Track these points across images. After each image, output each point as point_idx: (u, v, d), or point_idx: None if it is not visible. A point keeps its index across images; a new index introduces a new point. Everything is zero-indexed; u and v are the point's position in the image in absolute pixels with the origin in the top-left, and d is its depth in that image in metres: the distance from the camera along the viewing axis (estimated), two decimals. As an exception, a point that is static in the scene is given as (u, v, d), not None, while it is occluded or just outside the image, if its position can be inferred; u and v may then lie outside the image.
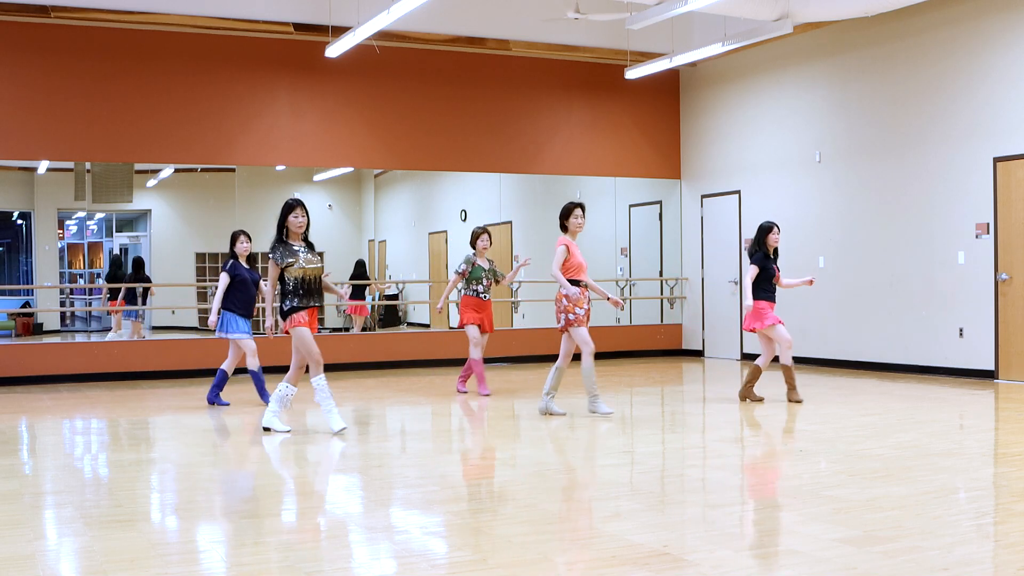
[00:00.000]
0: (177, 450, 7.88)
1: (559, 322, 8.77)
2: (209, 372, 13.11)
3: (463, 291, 10.63)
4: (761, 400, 9.82)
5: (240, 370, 13.61)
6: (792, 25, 11.28)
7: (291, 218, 7.95)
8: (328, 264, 16.08)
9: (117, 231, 17.46)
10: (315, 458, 7.44)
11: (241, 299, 9.87)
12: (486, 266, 10.61)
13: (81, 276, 18.03)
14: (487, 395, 10.63)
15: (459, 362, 14.25)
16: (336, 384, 11.97)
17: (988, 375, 11.39)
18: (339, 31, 12.15)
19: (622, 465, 6.84)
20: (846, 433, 8.09)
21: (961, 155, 11.66)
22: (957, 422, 8.54)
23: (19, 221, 17.11)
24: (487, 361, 12.62)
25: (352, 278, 15.73)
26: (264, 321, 8.19)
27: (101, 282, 15.66)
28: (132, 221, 17.19)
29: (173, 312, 15.63)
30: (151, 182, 16.14)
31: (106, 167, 14.57)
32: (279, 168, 14.92)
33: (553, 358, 12.42)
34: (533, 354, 14.58)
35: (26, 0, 11.54)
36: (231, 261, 10.00)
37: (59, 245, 16.72)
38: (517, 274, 10.75)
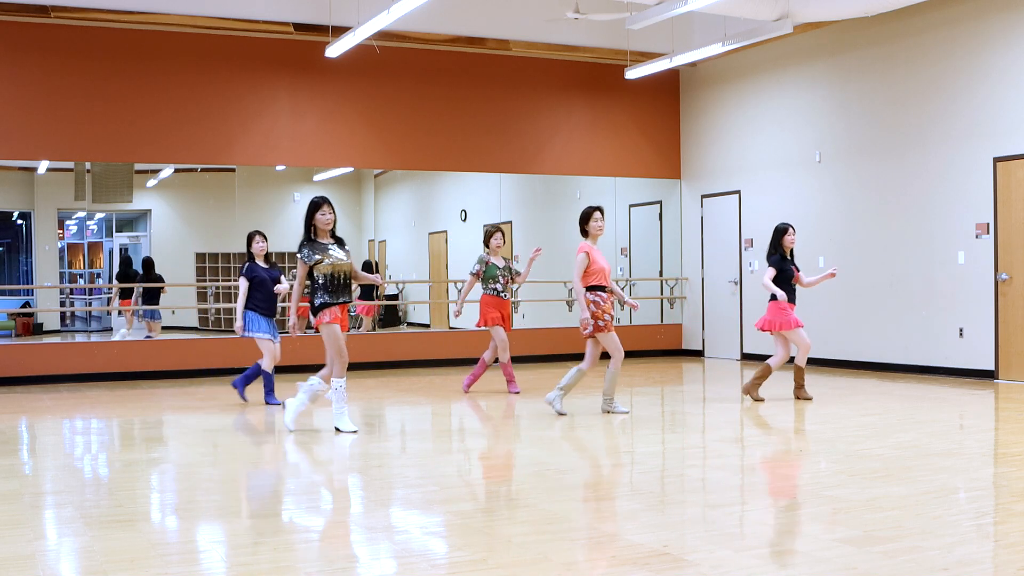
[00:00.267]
0: (177, 450, 7.89)
1: (584, 328, 8.77)
2: (209, 372, 13.12)
3: (483, 291, 10.66)
4: (761, 400, 9.81)
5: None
6: (792, 25, 11.28)
7: (318, 216, 8.01)
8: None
9: (117, 231, 17.45)
10: (315, 458, 7.44)
11: (261, 299, 9.92)
12: (500, 264, 10.62)
13: (81, 276, 18.02)
14: (517, 392, 10.69)
15: (459, 362, 14.26)
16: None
17: (988, 375, 11.39)
18: (339, 31, 12.15)
19: (622, 465, 6.84)
20: (846, 433, 8.09)
21: (961, 155, 11.66)
22: (957, 422, 8.54)
23: (19, 221, 17.11)
24: (530, 359, 12.61)
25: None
26: (288, 319, 8.21)
27: (113, 281, 15.61)
28: (132, 221, 17.19)
29: (173, 312, 15.62)
30: (151, 182, 16.15)
31: (106, 167, 14.57)
32: (279, 168, 14.92)
33: (553, 358, 12.50)
34: (533, 354, 14.58)
35: (26, 0, 11.54)
36: (247, 264, 10.03)
37: (59, 245, 16.72)
38: (531, 267, 10.76)
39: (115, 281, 15.34)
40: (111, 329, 16.61)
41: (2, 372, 12.20)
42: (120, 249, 17.36)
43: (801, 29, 12.61)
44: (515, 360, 14.39)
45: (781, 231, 9.84)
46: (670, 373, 13.35)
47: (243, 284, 9.87)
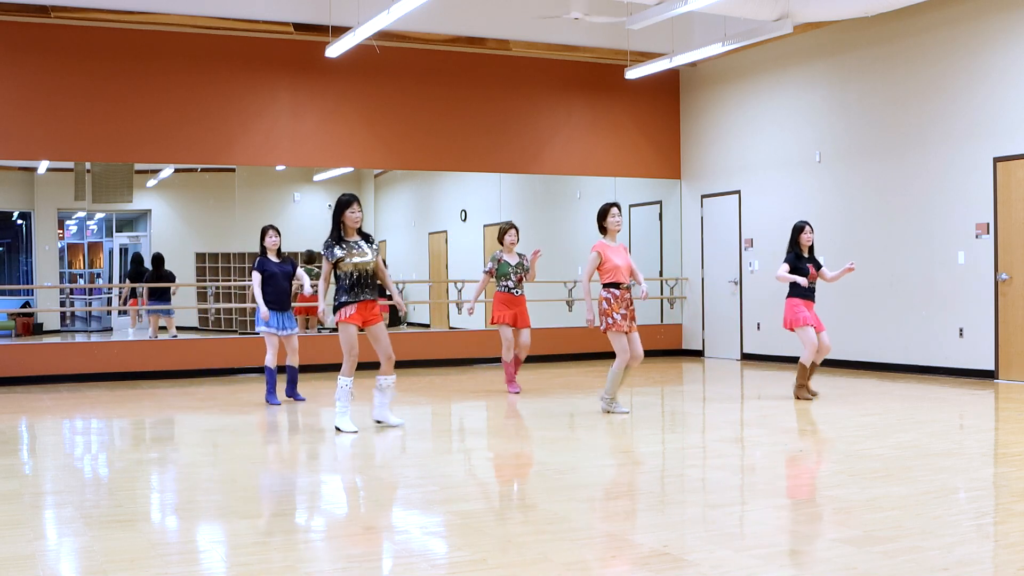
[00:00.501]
0: (177, 450, 7.89)
1: (601, 325, 8.85)
2: (209, 372, 13.12)
3: (496, 288, 10.72)
4: (815, 395, 9.91)
5: (250, 368, 13.64)
6: (792, 25, 11.28)
7: (348, 214, 8.12)
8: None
9: (117, 231, 17.46)
10: (315, 458, 7.44)
11: (271, 293, 9.99)
12: (513, 261, 10.65)
13: (81, 276, 18.02)
14: (516, 393, 10.71)
15: (459, 362, 14.27)
16: (333, 384, 11.97)
17: (988, 375, 11.39)
18: (339, 31, 12.15)
19: (622, 465, 6.84)
20: (846, 433, 8.09)
21: (961, 155, 11.66)
22: (957, 422, 8.54)
23: (19, 221, 17.12)
24: (530, 359, 12.63)
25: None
26: (319, 306, 8.30)
27: (125, 280, 15.58)
28: (132, 221, 17.20)
29: (172, 313, 15.59)
30: (151, 182, 16.15)
31: (106, 167, 14.57)
32: (279, 168, 14.92)
33: (554, 358, 12.48)
34: (533, 354, 14.56)
35: (26, 0, 11.54)
36: (259, 258, 10.11)
37: (59, 245, 16.72)
38: (536, 267, 10.80)
39: (127, 280, 15.29)
40: (111, 329, 16.62)
41: (2, 372, 12.20)
42: (121, 249, 17.35)
43: (801, 29, 12.61)
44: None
45: (798, 229, 9.93)
46: (670, 373, 13.35)
47: (256, 277, 9.97)
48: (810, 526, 4.93)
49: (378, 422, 8.41)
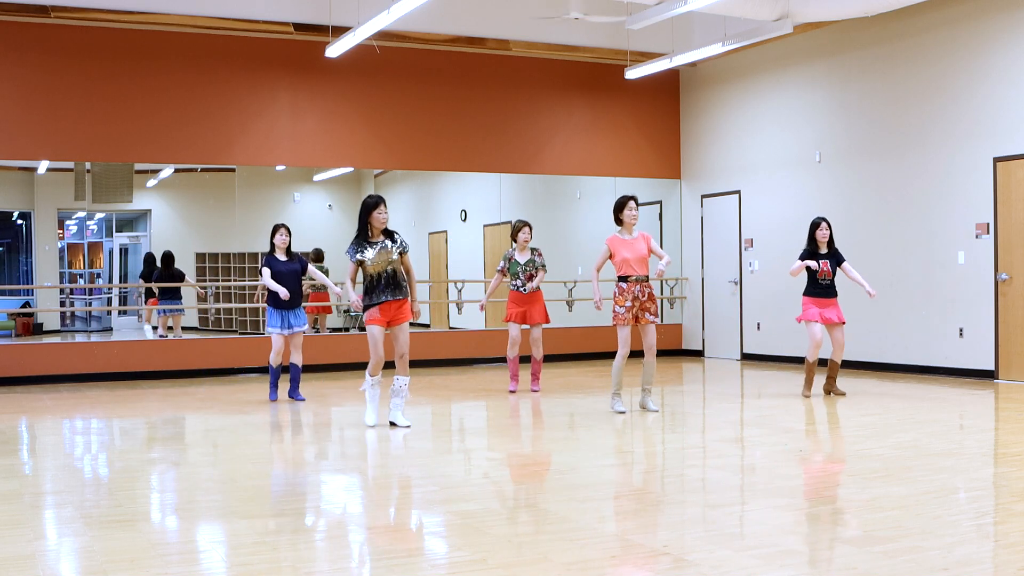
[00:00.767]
0: (177, 450, 7.89)
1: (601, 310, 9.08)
2: (209, 372, 13.12)
3: (508, 286, 10.81)
4: (842, 394, 10.05)
5: (250, 368, 13.65)
6: (792, 25, 11.28)
7: (375, 215, 8.21)
8: (328, 264, 16.12)
9: (117, 231, 17.46)
10: (315, 458, 7.44)
11: (277, 293, 10.09)
12: (523, 260, 10.68)
13: (81, 276, 18.02)
14: (513, 392, 10.80)
15: (459, 362, 14.26)
16: (336, 384, 11.99)
17: (988, 375, 11.39)
18: (339, 31, 12.15)
19: (622, 465, 6.84)
20: (846, 433, 8.09)
21: (961, 155, 11.66)
22: (957, 422, 8.54)
23: (19, 221, 17.11)
24: (567, 356, 12.67)
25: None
26: (350, 297, 8.40)
27: (138, 280, 15.55)
28: (132, 221, 17.20)
29: (167, 312, 15.59)
30: (151, 182, 16.15)
31: (106, 167, 14.57)
32: (279, 168, 14.92)
33: (554, 358, 12.47)
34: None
35: (26, 0, 11.54)
36: (267, 256, 10.23)
37: (59, 245, 16.72)
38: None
39: (139, 280, 15.27)
40: (111, 329, 16.61)
41: (2, 372, 12.20)
42: (121, 249, 17.35)
43: (801, 29, 12.61)
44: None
45: (814, 225, 10.09)
46: (670, 373, 13.34)
47: (266, 271, 10.07)
48: (810, 526, 4.93)
49: (392, 424, 8.42)
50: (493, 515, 5.24)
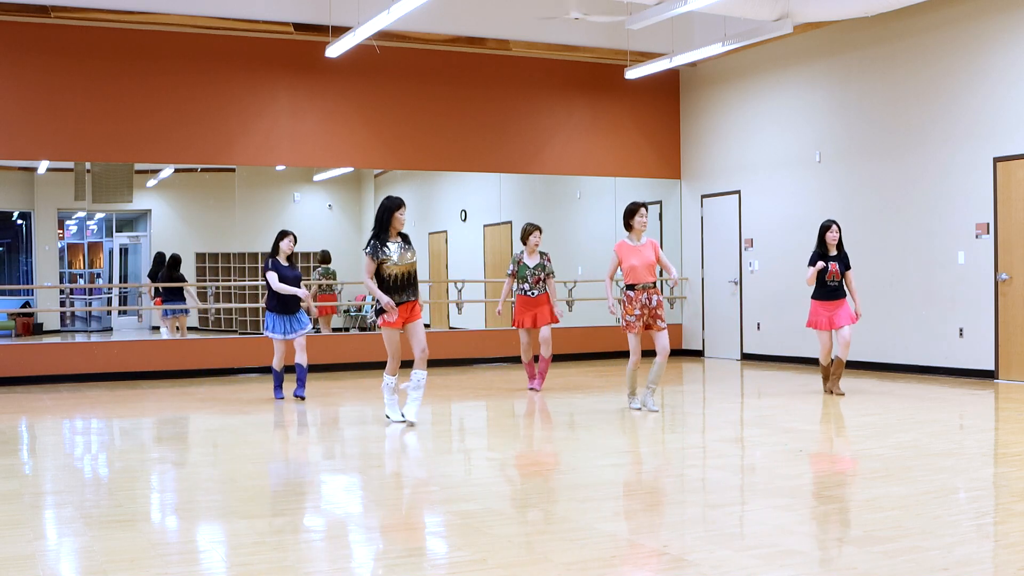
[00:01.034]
0: (177, 450, 7.89)
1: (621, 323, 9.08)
2: (209, 372, 13.12)
3: (515, 290, 10.88)
4: (841, 394, 10.14)
5: (250, 368, 13.66)
6: (792, 25, 11.28)
7: (398, 215, 8.23)
8: (335, 265, 16.12)
9: (117, 231, 17.46)
10: (315, 458, 7.44)
11: (280, 298, 10.16)
12: (532, 264, 10.74)
13: (81, 276, 18.03)
14: (532, 389, 10.94)
15: (459, 362, 14.26)
16: (336, 384, 11.99)
17: (988, 375, 11.39)
18: (339, 31, 12.15)
19: (622, 465, 6.84)
20: (846, 433, 8.09)
21: (961, 155, 11.66)
22: (957, 422, 8.54)
23: (19, 221, 17.12)
24: (568, 356, 12.74)
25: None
26: (380, 300, 8.24)
27: (145, 280, 15.52)
28: (132, 221, 17.20)
29: (173, 312, 15.61)
30: (151, 182, 16.15)
31: (106, 167, 14.57)
32: (279, 168, 14.92)
33: (554, 357, 12.46)
34: (533, 354, 14.55)
35: (26, 0, 11.54)
36: (271, 259, 10.27)
37: (59, 245, 16.72)
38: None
39: (147, 279, 15.26)
40: (111, 329, 16.61)
41: (2, 372, 12.20)
42: (121, 249, 17.35)
43: (801, 29, 12.61)
44: (516, 360, 14.41)
45: (824, 228, 10.24)
46: (670, 373, 13.34)
47: (273, 276, 10.10)
48: (810, 526, 4.93)
49: (402, 418, 8.51)
50: (493, 515, 5.24)
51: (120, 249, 17.32)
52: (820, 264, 10.02)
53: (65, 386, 12.09)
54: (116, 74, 12.73)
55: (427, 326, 17.54)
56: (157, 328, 14.95)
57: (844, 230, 13.08)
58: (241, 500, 5.78)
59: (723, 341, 15.18)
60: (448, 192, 18.20)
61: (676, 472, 6.64)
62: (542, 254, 10.84)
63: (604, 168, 15.54)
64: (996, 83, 11.27)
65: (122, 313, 16.71)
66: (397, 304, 8.19)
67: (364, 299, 17.00)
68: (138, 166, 14.88)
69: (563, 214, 17.25)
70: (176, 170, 15.49)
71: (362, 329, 16.46)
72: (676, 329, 15.98)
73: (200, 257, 16.15)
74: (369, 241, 8.23)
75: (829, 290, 10.08)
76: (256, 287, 15.81)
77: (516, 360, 14.38)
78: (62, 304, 16.83)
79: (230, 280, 15.94)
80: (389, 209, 8.20)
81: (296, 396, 10.38)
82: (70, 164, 14.38)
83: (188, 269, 15.92)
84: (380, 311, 8.21)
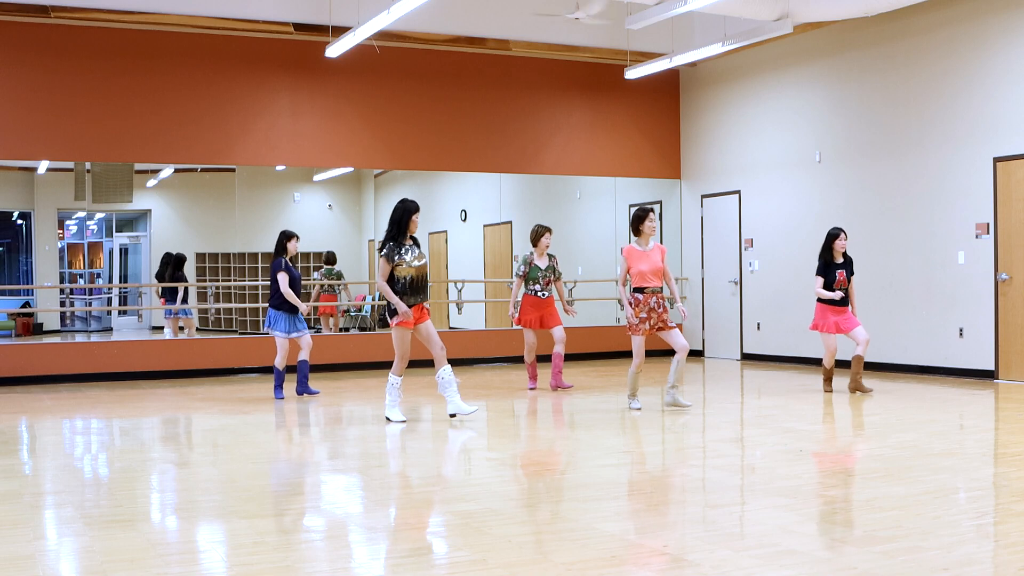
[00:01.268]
0: (177, 450, 7.89)
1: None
2: (209, 372, 13.12)
3: (524, 290, 10.90)
4: (869, 391, 10.25)
5: (250, 368, 13.65)
6: (792, 25, 11.28)
7: (415, 218, 8.33)
8: (341, 266, 16.11)
9: (117, 231, 17.46)
10: (315, 458, 7.44)
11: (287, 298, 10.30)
12: (543, 266, 10.79)
13: (81, 276, 18.03)
14: (533, 389, 10.99)
15: (459, 362, 14.24)
16: (336, 384, 11.99)
17: (988, 375, 11.39)
18: (339, 31, 12.15)
19: (622, 465, 6.84)
20: (846, 433, 8.09)
21: (961, 155, 11.66)
22: (957, 422, 8.54)
23: (19, 221, 17.12)
24: (568, 357, 12.77)
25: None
26: (398, 307, 8.31)
27: (152, 280, 15.51)
28: (132, 221, 17.20)
29: (171, 312, 15.62)
30: (151, 182, 16.15)
31: (106, 167, 14.56)
32: (279, 168, 14.92)
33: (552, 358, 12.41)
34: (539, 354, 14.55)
35: (26, 0, 11.54)
36: (284, 260, 10.35)
37: (59, 245, 16.72)
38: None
39: (154, 280, 15.26)
40: (111, 329, 16.62)
41: (2, 372, 12.20)
42: (121, 249, 17.35)
43: (801, 29, 12.61)
44: (516, 360, 14.41)
45: (832, 236, 10.33)
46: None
47: (285, 279, 10.19)
48: (810, 526, 4.93)
49: (452, 415, 8.60)
50: (493, 515, 5.23)
51: (120, 249, 17.32)
52: (838, 294, 10.09)
53: (65, 386, 12.09)
54: (116, 74, 12.73)
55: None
56: (161, 328, 14.95)
57: (844, 230, 13.11)
58: (241, 500, 5.78)
59: (723, 341, 15.18)
60: (448, 192, 18.20)
61: (676, 472, 6.64)
62: (550, 256, 10.91)
63: (604, 168, 15.54)
64: (996, 83, 11.27)
65: (122, 313, 16.71)
66: (410, 306, 8.27)
67: (364, 299, 17.00)
68: (138, 166, 14.88)
69: (563, 214, 17.25)
70: (176, 170, 15.49)
71: (362, 329, 16.45)
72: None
73: (200, 257, 16.15)
74: (385, 243, 8.27)
75: (838, 297, 10.20)
76: (256, 287, 15.81)
77: (516, 360, 14.39)
78: (62, 304, 16.83)
79: (230, 280, 15.93)
80: (408, 212, 8.28)
81: (309, 393, 10.48)
82: (70, 164, 14.37)
83: (188, 269, 15.92)
84: (394, 312, 8.26)
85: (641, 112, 15.57)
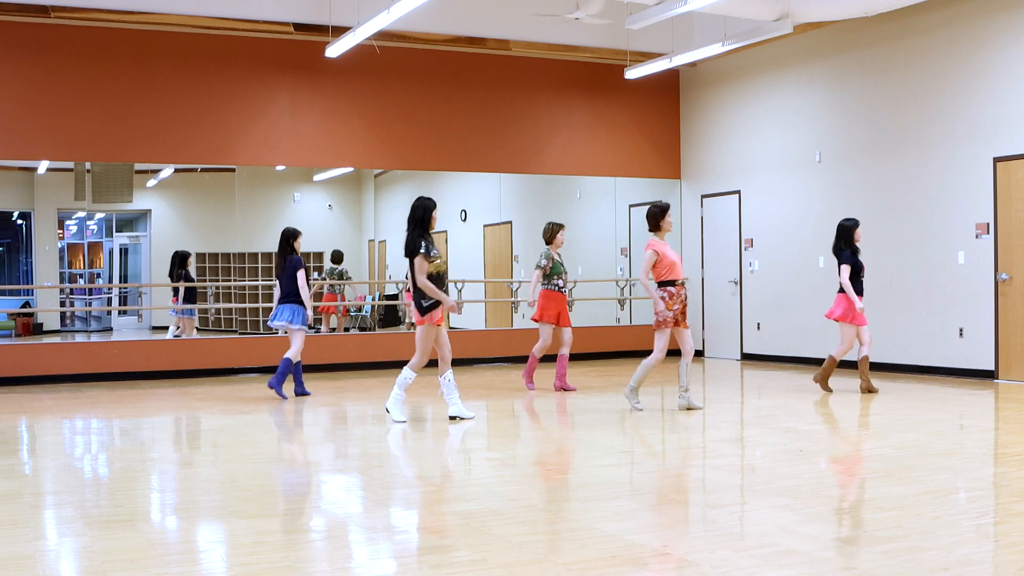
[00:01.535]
0: (177, 450, 7.89)
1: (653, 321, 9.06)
2: (209, 372, 13.12)
3: (544, 286, 10.84)
4: (830, 391, 10.30)
5: (250, 368, 13.62)
6: (792, 25, 11.28)
7: (434, 215, 8.43)
8: (328, 264, 16.13)
9: (117, 231, 17.47)
10: (315, 458, 7.44)
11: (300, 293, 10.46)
12: (561, 261, 10.89)
13: (81, 276, 18.03)
14: (532, 389, 10.98)
15: (459, 362, 14.24)
16: (336, 384, 11.99)
17: (988, 375, 11.39)
18: (339, 31, 12.15)
19: (622, 465, 6.84)
20: (846, 433, 8.09)
21: (961, 155, 11.66)
22: (957, 422, 8.54)
23: (19, 221, 17.12)
24: (574, 356, 12.80)
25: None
26: (444, 300, 8.39)
27: (166, 279, 15.50)
28: (132, 221, 17.20)
29: (179, 312, 15.62)
30: (151, 182, 16.15)
31: (106, 167, 14.56)
32: (279, 168, 14.92)
33: (554, 357, 12.42)
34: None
35: (26, 0, 11.54)
36: (299, 256, 10.50)
37: (59, 245, 16.72)
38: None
39: (155, 280, 15.23)
40: (111, 329, 16.62)
41: (2, 372, 12.20)
42: (121, 249, 17.35)
43: (801, 29, 12.61)
44: (516, 360, 14.42)
45: (851, 227, 10.36)
46: (670, 373, 13.33)
47: (302, 276, 10.35)
48: (810, 526, 4.93)
49: (453, 418, 8.62)
50: (493, 515, 5.24)
51: (120, 249, 17.32)
52: (859, 304, 10.08)
53: (65, 386, 12.09)
54: (116, 74, 12.73)
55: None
56: (165, 328, 14.95)
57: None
58: (241, 500, 5.78)
59: (723, 341, 15.18)
60: (448, 192, 18.20)
61: (676, 472, 6.64)
62: (559, 254, 10.92)
63: (604, 168, 15.54)
64: (996, 83, 11.27)
65: (122, 313, 16.71)
66: (439, 305, 8.34)
67: (364, 299, 17.01)
68: (138, 166, 14.88)
69: (563, 214, 17.24)
70: (176, 170, 15.49)
71: (362, 329, 16.46)
72: (676, 329, 15.97)
73: (200, 257, 16.16)
74: (420, 242, 8.31)
75: (860, 288, 10.26)
76: (256, 287, 15.82)
77: (515, 360, 14.39)
78: (62, 304, 16.83)
79: (230, 280, 15.93)
80: (428, 209, 8.39)
81: (302, 394, 10.55)
82: (70, 164, 14.37)
83: (188, 268, 15.93)
84: (428, 308, 8.25)
85: (641, 112, 15.57)
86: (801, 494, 5.65)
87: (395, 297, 17.90)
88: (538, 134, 14.96)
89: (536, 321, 10.94)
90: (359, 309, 16.74)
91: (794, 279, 13.79)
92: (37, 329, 16.27)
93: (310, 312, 10.44)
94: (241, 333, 15.92)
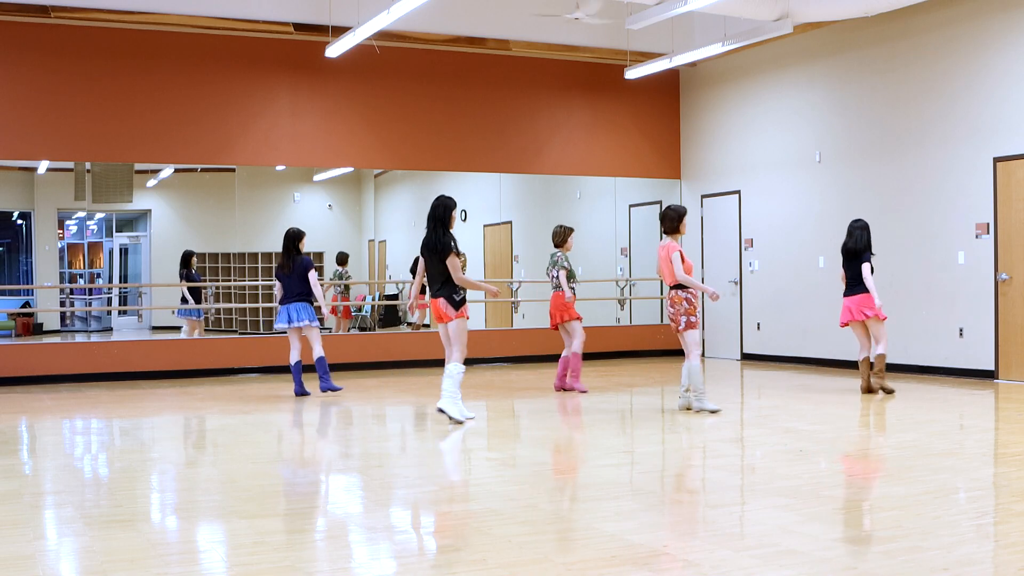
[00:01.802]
0: (177, 450, 7.89)
1: (679, 325, 8.93)
2: (209, 372, 13.12)
3: (560, 288, 10.68)
4: (878, 392, 10.21)
5: (250, 368, 13.64)
6: (792, 25, 11.28)
7: (454, 213, 8.56)
8: (328, 264, 16.13)
9: (117, 231, 17.47)
10: (315, 458, 7.44)
11: (311, 292, 10.59)
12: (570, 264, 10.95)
13: (81, 276, 18.03)
14: (585, 391, 10.75)
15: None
16: (336, 384, 11.98)
17: (988, 375, 11.39)
18: (339, 31, 12.15)
19: (622, 465, 6.84)
20: (846, 433, 8.09)
21: (961, 155, 11.66)
22: (957, 422, 8.54)
23: (19, 221, 17.12)
24: (529, 358, 12.77)
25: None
26: (487, 288, 8.80)
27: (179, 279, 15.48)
28: (132, 221, 17.20)
29: (174, 312, 15.61)
30: (151, 182, 16.15)
31: (106, 167, 14.56)
32: (279, 168, 14.92)
33: (553, 357, 12.47)
34: (533, 354, 14.58)
35: (26, 0, 11.54)
36: (310, 256, 10.68)
37: (59, 245, 16.72)
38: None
39: (154, 280, 15.21)
40: (111, 329, 16.62)
41: (2, 372, 12.20)
42: (121, 249, 17.36)
43: (801, 29, 12.61)
44: (515, 360, 14.43)
45: (867, 227, 10.46)
46: (670, 373, 13.34)
47: (315, 275, 10.50)
48: (810, 526, 4.93)
49: (441, 411, 8.61)
50: (493, 515, 5.24)
51: (120, 249, 17.32)
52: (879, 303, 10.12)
53: (65, 386, 12.09)
54: (116, 74, 12.73)
55: (427, 326, 17.54)
56: (166, 328, 14.94)
57: (844, 230, 13.09)
58: (241, 500, 5.78)
59: (723, 341, 15.18)
60: (448, 192, 18.16)
61: (676, 472, 6.64)
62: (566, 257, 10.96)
63: (604, 168, 15.55)
64: (996, 83, 11.27)
65: (122, 313, 16.71)
66: (466, 297, 8.47)
67: (364, 299, 17.02)
68: (138, 166, 14.88)
69: (563, 214, 17.25)
70: (176, 170, 15.49)
71: (362, 329, 16.46)
72: (676, 329, 15.97)
73: (200, 257, 16.16)
74: (447, 242, 8.36)
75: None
76: (257, 287, 15.82)
77: (515, 360, 14.41)
78: (62, 304, 16.83)
79: (230, 280, 15.93)
80: (450, 208, 8.51)
81: (301, 394, 10.58)
82: (70, 164, 14.37)
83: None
84: (461, 303, 8.36)
85: (641, 112, 15.57)
86: (801, 494, 5.65)
87: (395, 297, 17.90)
88: (538, 134, 14.96)
89: (570, 321, 10.66)
90: (359, 309, 16.74)
91: (794, 279, 13.79)
92: (37, 329, 16.27)
93: (326, 311, 10.55)
94: (241, 333, 15.92)
